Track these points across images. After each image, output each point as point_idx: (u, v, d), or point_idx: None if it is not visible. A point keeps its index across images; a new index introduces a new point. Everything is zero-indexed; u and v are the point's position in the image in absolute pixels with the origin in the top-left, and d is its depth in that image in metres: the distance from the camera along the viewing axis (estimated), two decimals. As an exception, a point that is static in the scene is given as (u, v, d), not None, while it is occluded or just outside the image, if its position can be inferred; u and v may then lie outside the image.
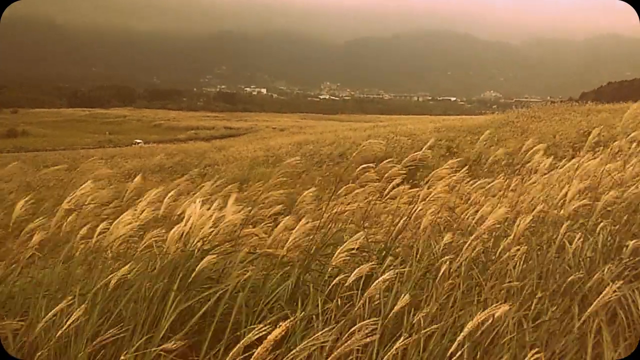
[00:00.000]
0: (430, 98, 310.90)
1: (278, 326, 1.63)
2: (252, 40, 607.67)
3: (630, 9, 4.72)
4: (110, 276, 2.33)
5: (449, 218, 4.05)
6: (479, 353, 2.16)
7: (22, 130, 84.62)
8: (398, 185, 3.67)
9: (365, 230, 3.38)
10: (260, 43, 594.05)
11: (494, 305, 1.95)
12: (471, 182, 5.00)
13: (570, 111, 34.43)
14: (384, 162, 3.51)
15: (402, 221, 3.28)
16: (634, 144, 4.98)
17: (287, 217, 3.41)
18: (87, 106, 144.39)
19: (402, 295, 2.08)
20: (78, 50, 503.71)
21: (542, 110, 36.23)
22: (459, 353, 1.87)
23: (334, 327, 1.96)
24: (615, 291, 2.43)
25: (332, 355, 1.83)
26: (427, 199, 3.44)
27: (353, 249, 2.51)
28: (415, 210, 3.43)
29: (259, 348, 1.63)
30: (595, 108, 34.97)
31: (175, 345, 1.80)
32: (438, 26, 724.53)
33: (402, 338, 1.87)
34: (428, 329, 2.08)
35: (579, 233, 2.98)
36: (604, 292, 2.40)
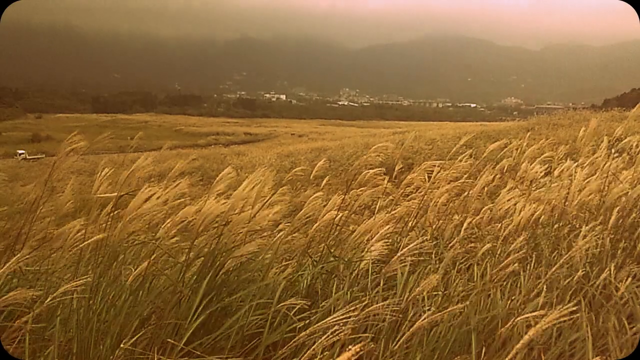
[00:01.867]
0: (450, 104, 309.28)
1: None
2: (271, 46, 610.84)
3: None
4: (130, 270, 2.24)
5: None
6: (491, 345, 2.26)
7: (45, 135, 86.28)
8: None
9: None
10: (279, 49, 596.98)
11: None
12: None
13: (593, 118, 33.95)
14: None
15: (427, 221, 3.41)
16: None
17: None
18: (110, 112, 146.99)
19: (427, 274, 2.19)
20: (99, 56, 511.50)
21: (564, 116, 35.83)
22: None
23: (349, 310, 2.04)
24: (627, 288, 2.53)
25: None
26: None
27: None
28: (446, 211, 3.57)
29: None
30: (618, 115, 34.48)
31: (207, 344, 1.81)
32: (453, 32, 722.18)
33: (423, 318, 1.92)
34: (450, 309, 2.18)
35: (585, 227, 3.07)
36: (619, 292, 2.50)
